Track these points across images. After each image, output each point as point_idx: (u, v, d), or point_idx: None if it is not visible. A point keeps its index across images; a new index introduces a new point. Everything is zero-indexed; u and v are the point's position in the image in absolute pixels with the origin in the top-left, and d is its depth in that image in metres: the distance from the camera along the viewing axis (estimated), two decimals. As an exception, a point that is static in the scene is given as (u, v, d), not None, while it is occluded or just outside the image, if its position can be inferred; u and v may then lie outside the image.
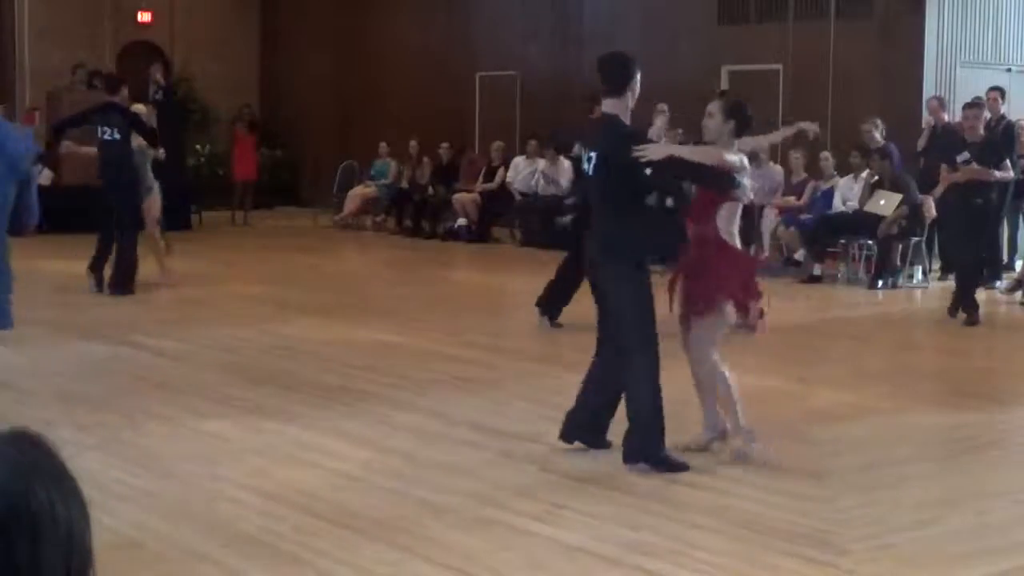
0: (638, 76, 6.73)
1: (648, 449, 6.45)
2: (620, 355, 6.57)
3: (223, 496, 5.99)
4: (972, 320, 11.52)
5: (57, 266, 15.11)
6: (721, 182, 6.71)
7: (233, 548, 5.25)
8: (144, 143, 13.15)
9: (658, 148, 6.70)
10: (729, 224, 6.77)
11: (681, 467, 6.44)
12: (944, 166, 12.19)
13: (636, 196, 6.73)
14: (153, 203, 13.37)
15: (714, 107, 6.89)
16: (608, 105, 6.72)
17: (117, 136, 12.86)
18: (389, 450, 6.86)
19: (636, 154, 6.44)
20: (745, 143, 7.02)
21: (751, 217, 15.47)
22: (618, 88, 6.68)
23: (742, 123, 6.86)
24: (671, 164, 6.69)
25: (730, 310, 6.73)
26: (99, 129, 12.97)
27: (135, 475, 6.32)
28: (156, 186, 13.46)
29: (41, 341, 10.15)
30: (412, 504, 5.86)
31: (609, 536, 5.42)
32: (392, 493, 6.04)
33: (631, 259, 6.58)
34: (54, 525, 1.54)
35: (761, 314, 6.81)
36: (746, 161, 6.86)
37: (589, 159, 6.68)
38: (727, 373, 6.76)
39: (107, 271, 12.96)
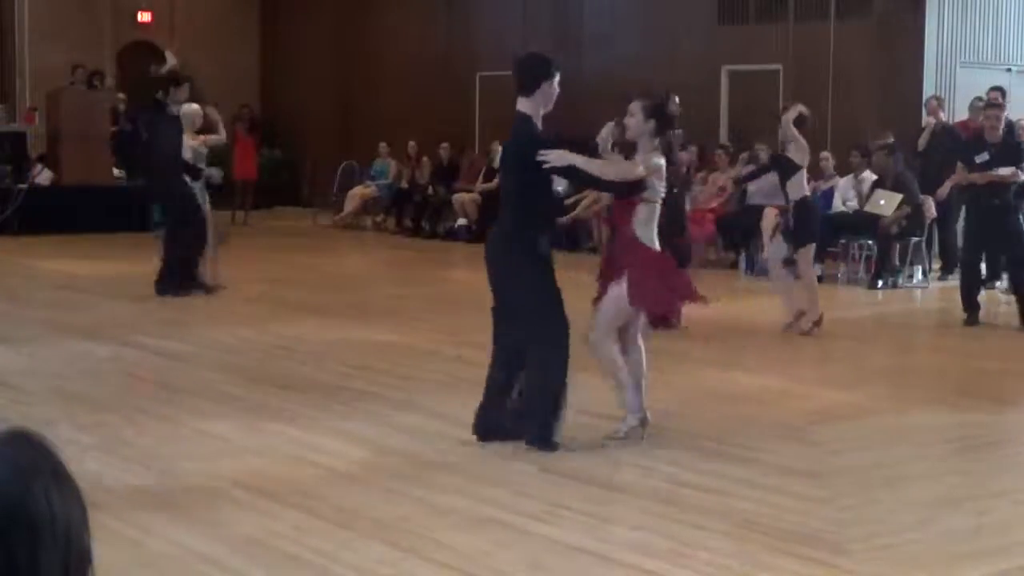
0: (555, 78, 6.79)
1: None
2: (523, 345, 6.85)
3: (223, 496, 5.98)
4: None
5: (57, 266, 15.12)
6: (622, 188, 6.89)
7: (233, 548, 5.24)
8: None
9: (560, 155, 6.72)
10: (647, 225, 6.91)
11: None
12: (960, 166, 12.12)
13: (534, 193, 6.87)
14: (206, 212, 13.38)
15: (635, 106, 6.98)
16: (521, 104, 6.81)
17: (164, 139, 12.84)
18: (389, 450, 6.86)
19: (540, 158, 6.61)
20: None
21: (751, 217, 15.49)
22: (529, 88, 6.78)
23: (663, 122, 7.03)
24: (570, 172, 6.87)
25: (628, 307, 6.87)
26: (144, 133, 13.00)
27: (135, 475, 6.32)
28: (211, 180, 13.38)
29: (41, 341, 10.15)
30: (412, 504, 5.86)
31: (609, 536, 5.42)
32: (392, 493, 6.04)
33: (529, 253, 6.80)
34: (52, 526, 1.54)
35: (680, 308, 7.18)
36: (663, 163, 6.97)
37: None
38: (619, 359, 6.96)
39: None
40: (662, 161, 6.96)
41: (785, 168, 10.87)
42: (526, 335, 6.84)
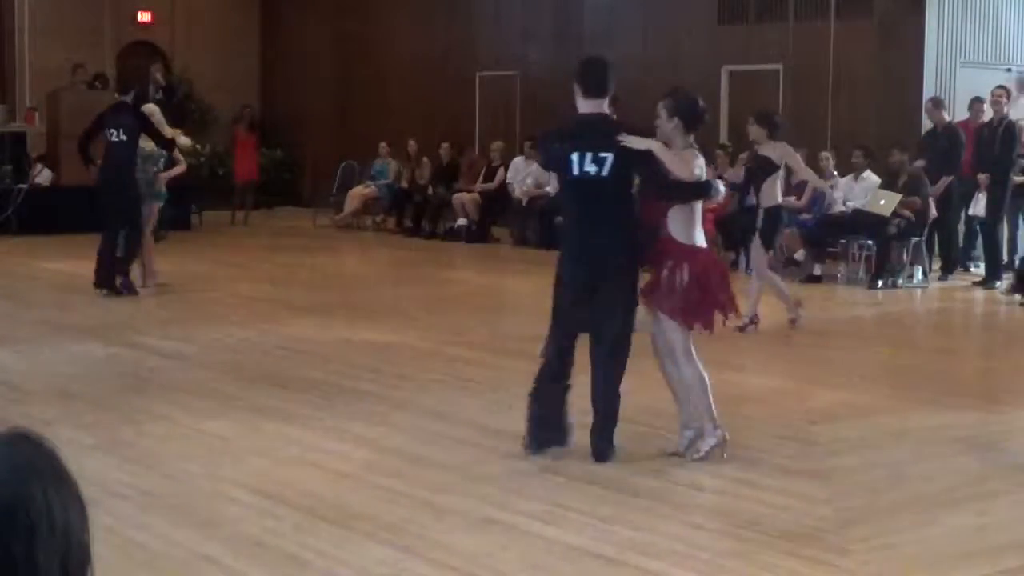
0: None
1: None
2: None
3: (223, 496, 5.99)
4: None
5: (57, 266, 15.13)
6: (688, 192, 6.64)
7: (233, 548, 5.24)
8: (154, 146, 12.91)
9: (640, 140, 6.57)
10: (686, 225, 6.66)
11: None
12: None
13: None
14: (154, 211, 13.21)
15: (659, 108, 6.74)
16: (595, 105, 6.72)
17: (124, 137, 12.62)
18: (389, 450, 6.86)
19: (621, 140, 6.49)
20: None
21: (752, 217, 15.48)
22: (606, 89, 6.75)
23: (690, 119, 6.68)
24: (647, 158, 6.54)
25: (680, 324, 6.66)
26: (107, 131, 12.71)
27: (135, 475, 6.32)
28: (162, 196, 13.26)
29: (41, 341, 10.15)
30: (412, 504, 5.86)
31: (609, 536, 5.42)
32: (392, 493, 6.04)
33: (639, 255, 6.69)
34: (51, 526, 1.54)
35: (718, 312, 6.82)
36: (702, 161, 6.77)
37: (600, 160, 6.55)
38: (700, 371, 6.72)
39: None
40: (701, 159, 6.76)
41: (764, 168, 10.89)
42: (620, 338, 6.64)
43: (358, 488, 6.13)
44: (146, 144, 12.83)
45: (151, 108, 13.64)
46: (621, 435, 6.71)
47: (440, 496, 5.97)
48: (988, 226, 14.59)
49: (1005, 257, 14.81)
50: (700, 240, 6.74)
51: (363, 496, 5.98)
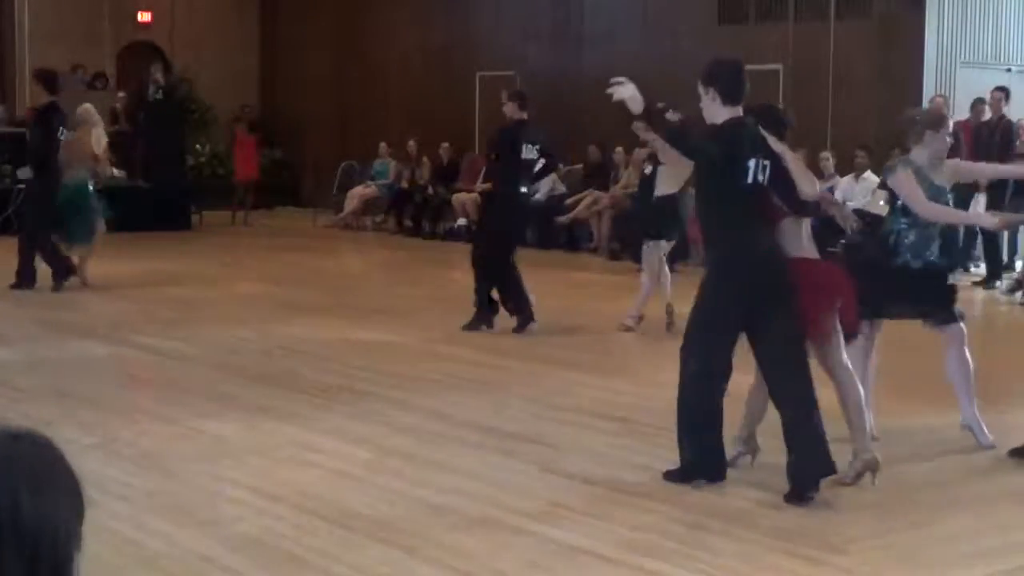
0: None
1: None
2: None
3: (223, 496, 5.98)
4: None
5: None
6: (810, 208, 6.33)
7: (233, 548, 5.24)
8: None
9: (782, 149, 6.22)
10: (794, 237, 6.28)
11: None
12: None
13: None
14: None
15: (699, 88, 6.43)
16: (736, 111, 6.28)
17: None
18: (389, 450, 6.86)
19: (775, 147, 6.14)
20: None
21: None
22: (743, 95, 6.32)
23: (777, 127, 6.34)
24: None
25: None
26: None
27: (135, 475, 6.32)
28: None
29: (41, 341, 10.15)
30: (412, 504, 5.86)
31: (609, 536, 5.42)
32: (392, 493, 6.04)
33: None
34: (15, 527, 1.51)
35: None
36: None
37: (764, 166, 6.07)
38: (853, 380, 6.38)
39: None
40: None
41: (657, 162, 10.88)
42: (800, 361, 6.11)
43: (358, 488, 6.13)
44: None
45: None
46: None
47: (440, 496, 5.97)
48: (988, 226, 14.58)
49: (1005, 257, 14.81)
50: (805, 250, 6.37)
51: (363, 496, 5.98)
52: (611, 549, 5.25)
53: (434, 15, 21.90)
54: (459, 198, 19.07)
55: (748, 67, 6.72)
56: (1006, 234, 15.06)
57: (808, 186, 6.21)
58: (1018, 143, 14.58)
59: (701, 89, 6.38)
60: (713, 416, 6.15)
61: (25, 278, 12.80)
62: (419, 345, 10.17)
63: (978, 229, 15.18)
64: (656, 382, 7.01)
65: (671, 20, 18.27)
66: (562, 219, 17.56)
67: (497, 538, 5.41)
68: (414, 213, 19.89)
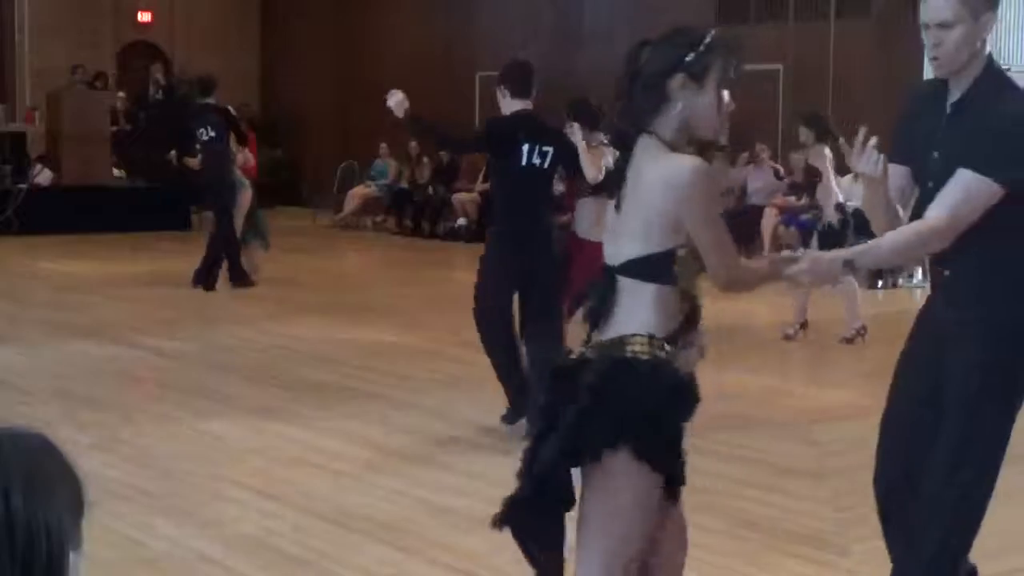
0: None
1: None
2: None
3: (223, 496, 5.99)
4: None
5: (57, 266, 15.12)
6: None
7: (233, 548, 5.24)
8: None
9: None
10: (588, 214, 7.50)
11: None
12: None
13: None
14: (246, 198, 13.46)
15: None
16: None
17: (213, 134, 12.99)
18: (389, 450, 6.86)
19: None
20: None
21: (751, 217, 15.49)
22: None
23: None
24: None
25: None
26: (199, 131, 13.10)
27: (135, 475, 6.32)
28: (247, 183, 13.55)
29: (41, 341, 10.15)
30: (412, 504, 5.86)
31: (609, 536, 5.41)
32: (392, 493, 6.04)
33: None
34: (7, 526, 1.50)
35: None
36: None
37: (545, 152, 7.20)
38: None
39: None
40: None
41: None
42: None
43: (358, 488, 6.13)
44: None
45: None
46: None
47: (440, 496, 5.97)
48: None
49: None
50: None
51: (363, 496, 5.98)
52: (611, 549, 5.24)
53: (434, 15, 21.90)
54: (459, 198, 19.08)
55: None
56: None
57: (592, 172, 7.33)
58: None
59: (497, 87, 7.83)
60: (512, 351, 7.21)
61: (239, 277, 13.22)
62: (419, 345, 10.17)
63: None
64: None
65: (671, 20, 18.05)
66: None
67: (497, 538, 5.38)
68: (414, 213, 19.90)
